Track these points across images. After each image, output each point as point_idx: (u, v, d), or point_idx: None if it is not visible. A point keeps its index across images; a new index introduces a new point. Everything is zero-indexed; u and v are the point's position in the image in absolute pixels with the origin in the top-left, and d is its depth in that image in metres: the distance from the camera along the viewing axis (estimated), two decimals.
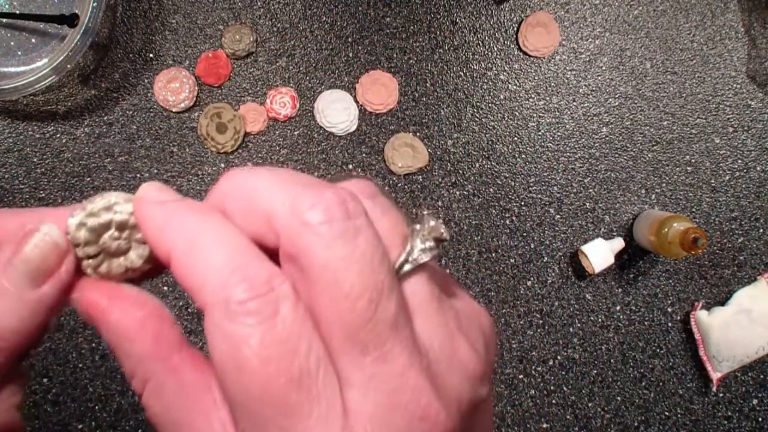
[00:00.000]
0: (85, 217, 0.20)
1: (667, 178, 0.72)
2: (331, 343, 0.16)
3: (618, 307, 0.72)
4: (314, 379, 0.16)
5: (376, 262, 0.16)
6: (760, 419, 0.72)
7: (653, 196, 0.72)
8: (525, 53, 0.72)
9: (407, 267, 0.18)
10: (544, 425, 0.71)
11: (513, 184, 0.71)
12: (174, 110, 0.70)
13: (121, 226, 0.20)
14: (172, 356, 0.18)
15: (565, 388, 0.71)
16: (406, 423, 0.16)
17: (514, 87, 0.72)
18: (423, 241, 0.18)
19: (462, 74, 0.72)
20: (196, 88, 0.70)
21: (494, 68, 0.72)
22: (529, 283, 0.71)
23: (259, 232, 0.18)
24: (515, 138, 0.72)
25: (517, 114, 0.72)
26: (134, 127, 0.70)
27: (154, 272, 0.21)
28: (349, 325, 0.16)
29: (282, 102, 0.70)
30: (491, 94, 0.72)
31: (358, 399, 0.16)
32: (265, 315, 0.16)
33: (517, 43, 0.72)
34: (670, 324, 0.72)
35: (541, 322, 0.71)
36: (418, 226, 0.19)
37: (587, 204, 0.72)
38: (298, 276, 0.17)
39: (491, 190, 0.71)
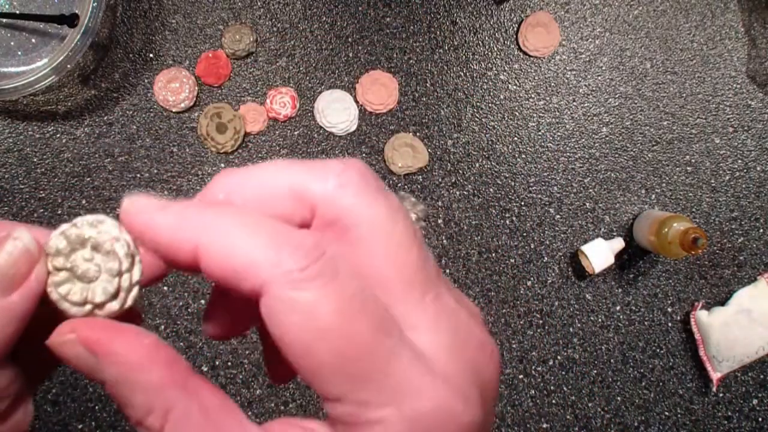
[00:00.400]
0: (69, 228, 0.19)
1: (667, 178, 0.72)
2: (389, 292, 0.17)
3: (618, 307, 0.72)
4: (390, 325, 0.16)
5: (409, 216, 0.17)
6: (760, 419, 0.72)
7: (653, 196, 0.72)
8: (525, 53, 0.72)
9: None
10: (544, 425, 0.71)
11: (513, 184, 0.71)
12: (174, 110, 0.70)
13: (96, 247, 0.19)
14: (189, 381, 0.17)
15: (565, 388, 0.71)
16: (473, 356, 0.17)
17: (514, 87, 0.72)
18: (414, 214, 0.20)
19: (462, 74, 0.72)
20: (196, 88, 0.70)
21: (494, 68, 0.72)
22: (529, 283, 0.71)
23: (279, 215, 0.18)
24: (515, 138, 0.72)
25: (517, 114, 0.72)
26: (134, 127, 0.70)
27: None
28: (408, 271, 0.17)
29: (282, 102, 0.70)
30: (491, 94, 0.72)
31: (430, 339, 0.17)
32: (329, 275, 0.16)
33: (517, 43, 0.72)
34: (670, 324, 0.72)
35: (541, 322, 0.71)
36: (404, 203, 0.20)
37: (587, 204, 0.72)
38: (338, 239, 0.17)
39: (491, 190, 0.71)
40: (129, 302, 0.19)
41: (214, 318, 0.21)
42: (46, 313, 0.19)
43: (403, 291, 0.17)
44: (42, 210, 0.70)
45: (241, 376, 0.70)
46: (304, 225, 0.18)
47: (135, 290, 0.19)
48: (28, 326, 0.19)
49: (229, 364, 0.70)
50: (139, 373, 0.17)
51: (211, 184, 0.19)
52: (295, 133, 0.71)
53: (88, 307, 0.19)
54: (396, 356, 0.16)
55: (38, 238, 0.19)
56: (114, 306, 0.19)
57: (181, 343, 0.69)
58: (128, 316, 0.20)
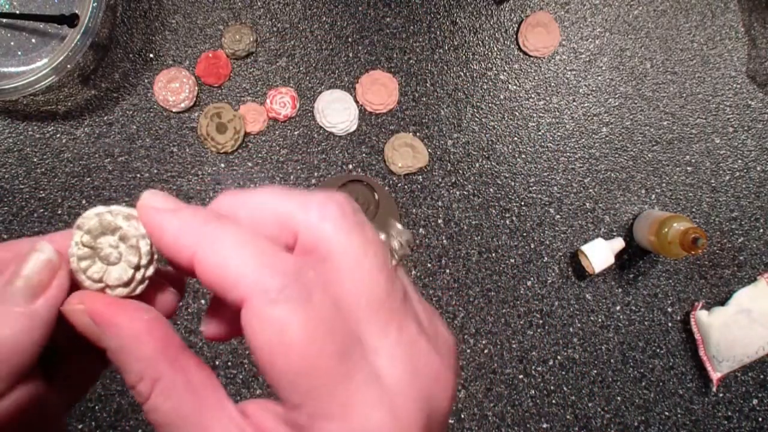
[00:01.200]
0: (105, 213, 0.21)
1: (667, 178, 0.72)
2: (357, 317, 0.18)
3: (618, 307, 0.72)
4: (352, 349, 0.18)
5: (383, 248, 0.19)
6: (760, 419, 0.72)
7: (653, 196, 0.72)
8: (525, 53, 0.72)
9: (393, 262, 0.21)
10: (544, 425, 0.71)
11: (513, 184, 0.71)
12: (174, 110, 0.70)
13: (123, 238, 0.21)
14: (179, 357, 0.19)
15: (565, 388, 0.71)
16: (427, 385, 0.19)
17: (514, 87, 0.72)
18: (398, 242, 0.21)
19: (462, 74, 0.72)
20: (196, 88, 0.70)
21: (494, 68, 0.72)
22: (529, 283, 0.71)
23: (268, 236, 0.20)
24: (515, 138, 0.72)
25: (517, 114, 0.72)
26: (134, 127, 0.70)
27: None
28: (375, 298, 0.19)
29: (282, 102, 0.70)
30: (491, 94, 0.72)
31: (387, 364, 0.18)
32: (303, 299, 0.17)
33: (517, 43, 0.72)
34: (670, 324, 0.72)
35: (541, 322, 0.71)
36: (391, 230, 0.21)
37: (587, 204, 0.72)
38: (316, 266, 0.19)
39: (491, 190, 0.71)
40: (137, 292, 0.21)
41: (212, 320, 0.22)
42: (70, 335, 0.21)
43: (369, 317, 0.18)
44: (42, 210, 0.70)
45: (241, 376, 0.70)
46: (287, 248, 0.20)
47: (145, 283, 0.21)
48: (60, 350, 0.22)
49: (229, 364, 0.70)
50: (134, 344, 0.19)
51: (215, 201, 0.21)
52: (295, 133, 0.71)
53: (101, 285, 0.21)
54: (350, 379, 0.17)
55: (60, 242, 0.21)
56: (123, 292, 0.21)
57: None
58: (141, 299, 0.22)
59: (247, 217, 0.20)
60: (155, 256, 0.21)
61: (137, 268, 0.21)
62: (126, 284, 0.21)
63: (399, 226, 0.21)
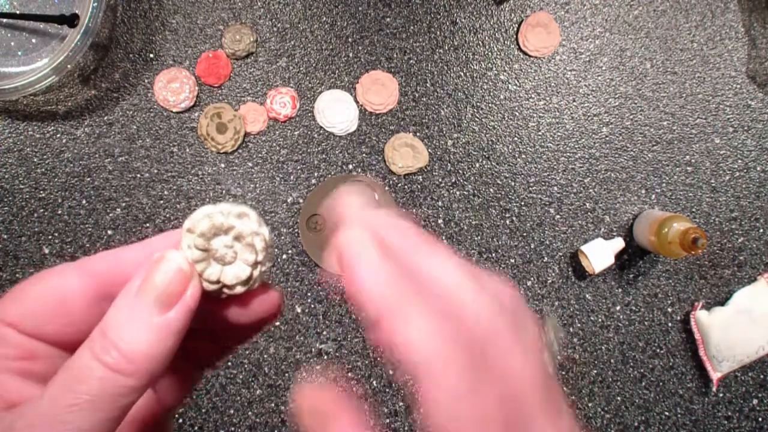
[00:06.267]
0: (216, 214, 0.21)
1: (667, 178, 0.72)
2: (528, 405, 0.21)
3: (618, 307, 0.72)
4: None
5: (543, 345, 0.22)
6: (760, 419, 0.72)
7: (653, 196, 0.72)
8: (525, 53, 0.72)
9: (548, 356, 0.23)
10: None
11: (513, 184, 0.71)
12: (174, 110, 0.70)
13: (238, 237, 0.21)
14: None
15: (565, 388, 0.71)
16: None
17: (514, 87, 0.72)
18: (556, 337, 0.22)
19: (462, 74, 0.72)
20: (197, 88, 0.70)
21: (494, 68, 0.72)
22: (529, 283, 0.71)
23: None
24: (515, 138, 0.72)
25: (517, 114, 0.72)
26: (134, 127, 0.70)
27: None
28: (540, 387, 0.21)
29: (282, 102, 0.70)
30: (491, 94, 0.72)
31: None
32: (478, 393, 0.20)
33: (517, 43, 0.72)
34: (670, 324, 0.72)
35: (541, 322, 0.71)
36: (548, 327, 0.23)
37: (587, 204, 0.72)
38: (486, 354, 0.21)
39: (491, 190, 0.71)
40: (255, 287, 0.22)
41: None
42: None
43: (537, 407, 0.20)
44: (42, 210, 0.69)
45: (241, 376, 0.70)
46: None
47: (263, 277, 0.22)
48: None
49: (230, 364, 0.70)
50: None
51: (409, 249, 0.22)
52: (295, 133, 0.71)
53: (218, 285, 0.21)
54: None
55: (166, 246, 0.21)
56: (242, 290, 0.21)
57: None
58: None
59: (426, 281, 0.21)
60: (270, 251, 0.22)
61: (254, 264, 0.21)
62: (245, 282, 0.21)
63: (555, 321, 0.23)
